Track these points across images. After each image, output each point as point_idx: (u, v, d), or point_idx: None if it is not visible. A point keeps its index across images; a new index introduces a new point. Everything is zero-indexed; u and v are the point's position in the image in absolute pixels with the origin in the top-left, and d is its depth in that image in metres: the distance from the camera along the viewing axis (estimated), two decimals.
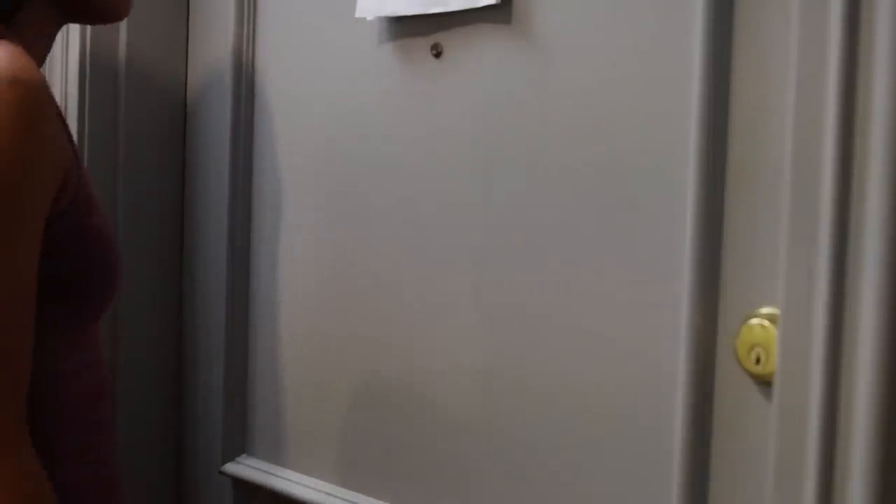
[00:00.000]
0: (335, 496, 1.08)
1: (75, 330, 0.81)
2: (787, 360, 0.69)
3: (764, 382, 0.75)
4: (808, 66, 0.67)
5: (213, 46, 1.22)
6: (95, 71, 1.16)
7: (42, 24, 0.83)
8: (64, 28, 1.16)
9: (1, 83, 0.66)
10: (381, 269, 1.05)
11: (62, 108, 1.15)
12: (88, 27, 1.15)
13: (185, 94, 1.26)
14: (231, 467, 1.20)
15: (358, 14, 1.03)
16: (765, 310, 0.75)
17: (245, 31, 1.19)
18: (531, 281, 0.91)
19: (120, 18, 0.90)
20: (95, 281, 0.80)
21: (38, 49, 0.83)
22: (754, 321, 0.74)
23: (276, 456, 1.18)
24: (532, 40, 0.90)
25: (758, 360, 0.74)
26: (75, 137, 1.14)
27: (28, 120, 0.68)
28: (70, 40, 1.16)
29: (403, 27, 1.01)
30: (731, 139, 0.77)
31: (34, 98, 0.69)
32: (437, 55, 0.98)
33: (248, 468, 1.19)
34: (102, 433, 0.84)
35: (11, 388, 0.68)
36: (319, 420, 1.13)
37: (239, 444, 1.22)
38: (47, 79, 1.00)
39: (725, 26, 0.76)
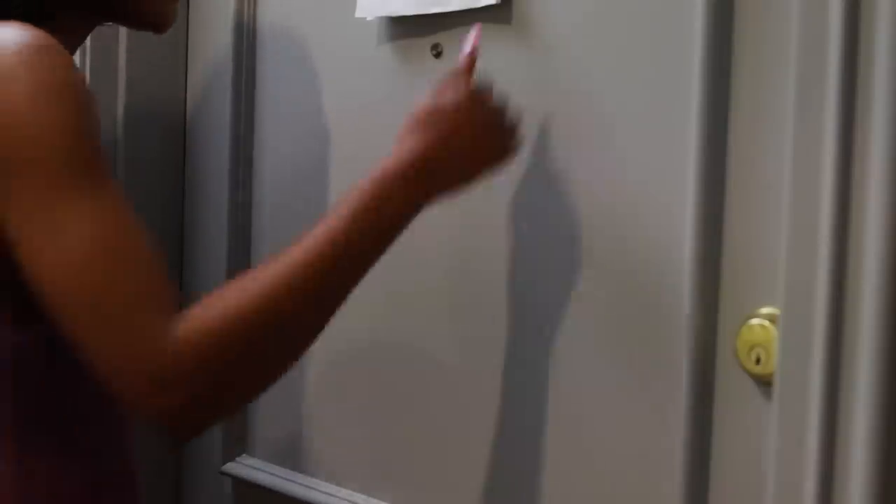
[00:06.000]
0: (335, 496, 1.08)
1: None
2: (787, 360, 0.69)
3: (764, 382, 0.75)
4: (809, 66, 0.67)
5: (212, 46, 1.22)
6: (95, 71, 1.16)
7: (75, 30, 0.83)
8: None
9: (30, 50, 0.66)
10: (379, 269, 1.05)
11: None
12: None
13: (185, 95, 1.26)
14: (231, 467, 1.20)
15: (358, 14, 1.03)
16: (765, 310, 0.75)
17: (245, 32, 1.19)
18: (530, 281, 0.91)
19: (165, 30, 0.88)
20: None
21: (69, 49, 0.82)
22: (754, 321, 0.74)
23: (276, 456, 1.18)
24: (532, 40, 0.90)
25: (758, 360, 0.74)
26: None
27: (74, 80, 0.68)
28: None
29: (403, 27, 1.01)
30: (731, 138, 0.77)
31: (70, 64, 0.69)
32: (437, 55, 0.98)
33: (248, 468, 1.19)
34: (125, 427, 0.84)
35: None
36: (319, 420, 1.12)
37: (239, 444, 1.22)
38: None
39: (725, 27, 0.76)
